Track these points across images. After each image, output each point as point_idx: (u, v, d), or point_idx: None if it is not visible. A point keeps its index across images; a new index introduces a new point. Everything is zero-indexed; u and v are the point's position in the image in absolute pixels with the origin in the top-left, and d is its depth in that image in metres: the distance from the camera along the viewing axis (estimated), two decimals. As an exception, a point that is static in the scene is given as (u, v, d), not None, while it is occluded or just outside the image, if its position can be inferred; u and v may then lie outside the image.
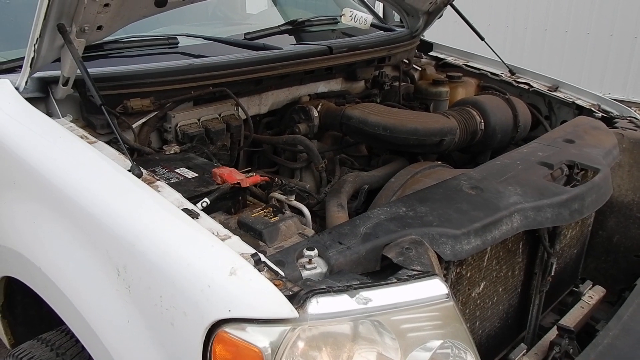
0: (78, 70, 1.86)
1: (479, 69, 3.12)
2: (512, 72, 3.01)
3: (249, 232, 1.54)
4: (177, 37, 2.33)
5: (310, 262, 1.34)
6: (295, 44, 2.59)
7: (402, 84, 3.04)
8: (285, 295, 1.18)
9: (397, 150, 2.37)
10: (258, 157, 2.48)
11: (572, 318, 1.95)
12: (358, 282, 1.22)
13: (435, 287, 1.26)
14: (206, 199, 1.55)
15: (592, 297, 2.07)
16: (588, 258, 2.45)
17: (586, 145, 2.10)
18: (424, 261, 1.32)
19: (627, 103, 7.13)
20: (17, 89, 1.86)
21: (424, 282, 1.26)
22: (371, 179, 2.16)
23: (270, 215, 1.61)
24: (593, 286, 2.20)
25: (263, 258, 1.28)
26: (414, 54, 3.17)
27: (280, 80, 2.38)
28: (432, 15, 3.13)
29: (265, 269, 1.26)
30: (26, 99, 1.87)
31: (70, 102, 1.94)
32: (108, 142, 1.95)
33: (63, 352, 1.73)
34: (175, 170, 1.78)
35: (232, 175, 1.68)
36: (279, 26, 2.70)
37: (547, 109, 2.90)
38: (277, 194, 1.77)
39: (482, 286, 1.72)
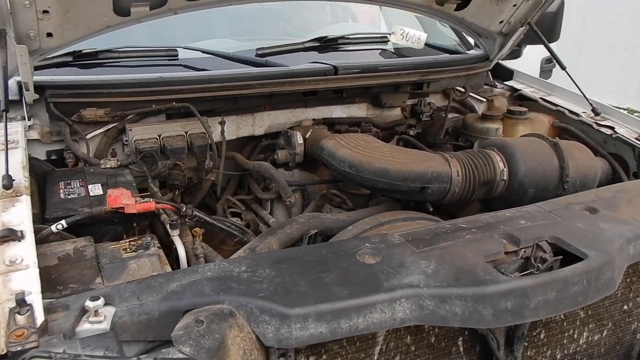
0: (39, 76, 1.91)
1: (557, 105, 2.51)
2: (595, 112, 2.36)
3: (98, 265, 1.38)
4: (177, 49, 2.27)
5: (96, 313, 1.13)
6: (310, 62, 2.34)
7: (452, 115, 2.58)
8: (10, 351, 0.99)
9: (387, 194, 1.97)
10: (248, 182, 2.28)
11: None
12: (86, 355, 0.98)
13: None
14: (62, 222, 1.42)
15: None
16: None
17: (613, 219, 1.50)
18: (205, 343, 1.01)
19: None
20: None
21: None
22: (332, 224, 1.82)
23: (131, 249, 1.42)
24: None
25: (32, 300, 1.11)
26: (477, 81, 2.68)
27: (269, 100, 2.16)
28: (508, 36, 2.62)
29: (28, 312, 1.09)
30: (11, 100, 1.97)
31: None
32: (62, 150, 1.96)
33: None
34: (88, 186, 1.70)
35: (117, 199, 1.52)
36: (302, 42, 2.47)
37: (637, 163, 2.20)
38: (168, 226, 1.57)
39: (374, 386, 1.30)
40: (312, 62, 2.31)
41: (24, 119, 1.98)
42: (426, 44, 2.81)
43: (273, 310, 1.10)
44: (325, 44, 2.51)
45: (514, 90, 2.76)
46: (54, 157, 1.95)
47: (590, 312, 1.57)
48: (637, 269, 1.60)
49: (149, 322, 1.12)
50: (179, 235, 1.68)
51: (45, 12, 1.70)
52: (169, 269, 1.41)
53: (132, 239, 1.46)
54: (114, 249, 1.41)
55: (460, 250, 1.31)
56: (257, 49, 2.36)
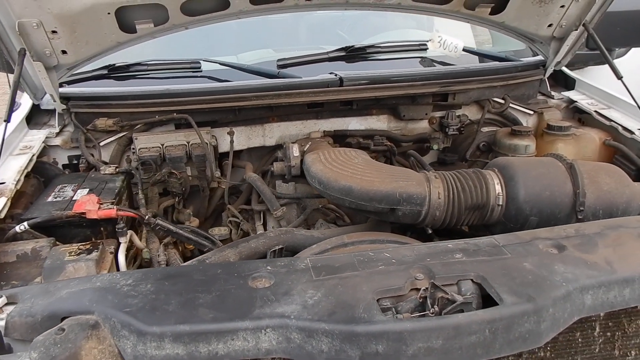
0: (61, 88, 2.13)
1: (610, 120, 2.17)
2: (654, 130, 2.00)
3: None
4: (200, 61, 2.37)
5: (0, 310, 1.24)
6: (329, 74, 2.29)
7: (488, 130, 2.35)
8: None
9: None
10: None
11: None
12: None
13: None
14: (24, 224, 1.57)
15: None
16: None
17: (577, 261, 1.27)
18: (53, 351, 1.06)
19: None
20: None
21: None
22: (304, 240, 1.77)
23: (76, 253, 1.52)
24: None
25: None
26: (525, 91, 2.42)
27: (272, 112, 2.16)
28: (563, 41, 2.34)
29: (-59, 306, 1.24)
30: (46, 110, 2.25)
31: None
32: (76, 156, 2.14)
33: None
34: (77, 190, 1.85)
35: (81, 204, 1.65)
36: (327, 52, 2.43)
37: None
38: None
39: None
40: (329, 73, 2.26)
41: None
42: (473, 52, 2.62)
43: (132, 326, 1.12)
44: (352, 54, 2.44)
45: (571, 101, 2.44)
46: (74, 162, 2.15)
47: (555, 367, 1.34)
48: (620, 323, 1.33)
49: (34, 324, 1.19)
50: (147, 242, 1.77)
51: (54, 32, 1.89)
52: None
53: (83, 244, 1.56)
54: (61, 252, 1.52)
55: (359, 282, 1.20)
56: (278, 60, 2.37)
